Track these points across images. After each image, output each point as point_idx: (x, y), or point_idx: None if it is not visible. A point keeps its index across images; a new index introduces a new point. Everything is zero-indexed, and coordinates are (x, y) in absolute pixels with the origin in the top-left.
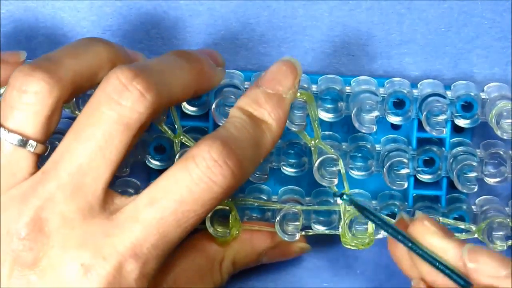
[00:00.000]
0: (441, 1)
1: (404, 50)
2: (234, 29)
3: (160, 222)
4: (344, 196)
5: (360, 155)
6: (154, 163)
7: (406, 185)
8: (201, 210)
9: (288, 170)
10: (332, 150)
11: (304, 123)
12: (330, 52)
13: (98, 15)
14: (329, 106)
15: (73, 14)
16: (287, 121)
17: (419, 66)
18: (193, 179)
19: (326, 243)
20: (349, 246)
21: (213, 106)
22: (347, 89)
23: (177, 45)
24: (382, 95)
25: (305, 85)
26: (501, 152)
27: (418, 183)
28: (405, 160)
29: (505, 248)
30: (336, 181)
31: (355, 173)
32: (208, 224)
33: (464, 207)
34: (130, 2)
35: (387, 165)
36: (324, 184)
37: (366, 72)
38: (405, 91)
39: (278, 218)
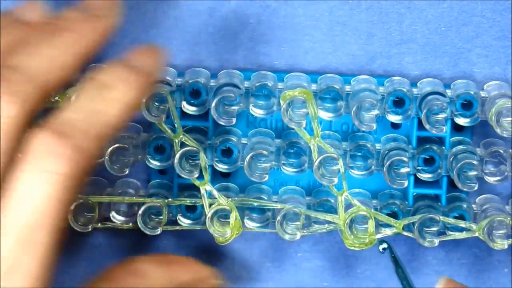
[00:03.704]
0: (441, 1)
1: (404, 49)
2: (234, 28)
3: (28, 233)
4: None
5: (360, 154)
6: (154, 164)
7: (406, 184)
8: (59, 206)
9: (288, 170)
10: (332, 149)
11: (303, 121)
12: (330, 51)
13: None
14: (329, 105)
15: None
16: (287, 119)
17: (419, 65)
18: (34, 179)
19: (326, 243)
20: (353, 248)
21: (213, 105)
22: (347, 88)
23: (177, 45)
24: (382, 93)
25: (305, 84)
26: (501, 151)
27: (418, 182)
28: (405, 159)
29: (505, 246)
30: (336, 180)
31: (355, 173)
32: (208, 223)
33: (464, 206)
34: (129, 2)
35: (387, 164)
36: (323, 183)
37: (366, 71)
38: (405, 90)
39: (278, 218)
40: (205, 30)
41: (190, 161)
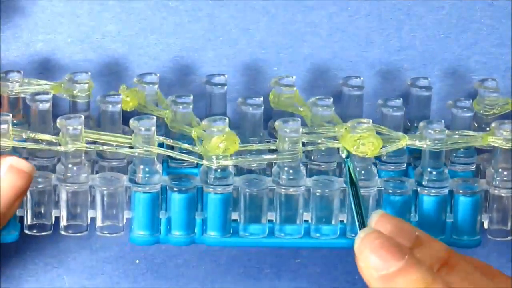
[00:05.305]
0: (440, 8)
1: (402, 56)
2: (233, 34)
3: None
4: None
5: None
6: None
7: None
8: None
9: None
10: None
11: None
12: (329, 58)
13: (98, 21)
14: None
15: (72, 20)
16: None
17: (417, 72)
18: None
19: (325, 249)
20: (360, 153)
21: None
22: None
23: (176, 50)
24: None
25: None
26: None
27: None
28: None
29: None
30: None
31: None
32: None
33: None
34: (129, 8)
35: None
36: None
37: (365, 77)
38: None
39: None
40: (204, 35)
41: None
